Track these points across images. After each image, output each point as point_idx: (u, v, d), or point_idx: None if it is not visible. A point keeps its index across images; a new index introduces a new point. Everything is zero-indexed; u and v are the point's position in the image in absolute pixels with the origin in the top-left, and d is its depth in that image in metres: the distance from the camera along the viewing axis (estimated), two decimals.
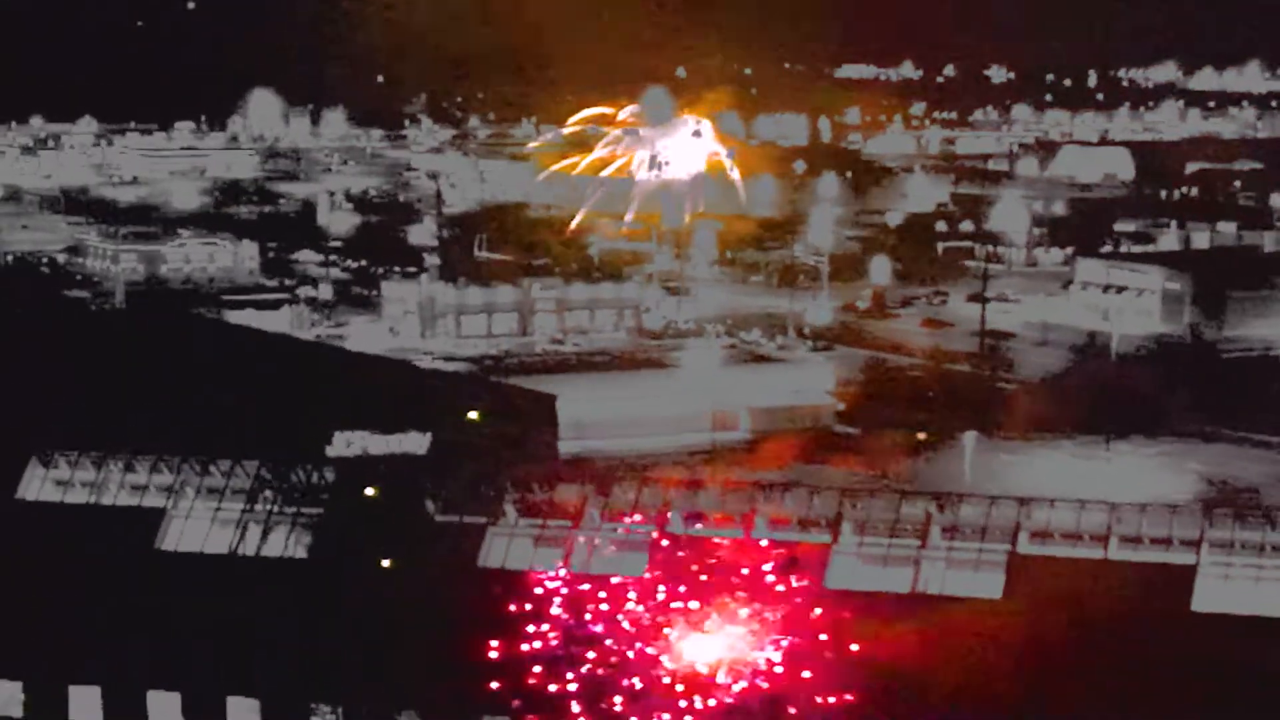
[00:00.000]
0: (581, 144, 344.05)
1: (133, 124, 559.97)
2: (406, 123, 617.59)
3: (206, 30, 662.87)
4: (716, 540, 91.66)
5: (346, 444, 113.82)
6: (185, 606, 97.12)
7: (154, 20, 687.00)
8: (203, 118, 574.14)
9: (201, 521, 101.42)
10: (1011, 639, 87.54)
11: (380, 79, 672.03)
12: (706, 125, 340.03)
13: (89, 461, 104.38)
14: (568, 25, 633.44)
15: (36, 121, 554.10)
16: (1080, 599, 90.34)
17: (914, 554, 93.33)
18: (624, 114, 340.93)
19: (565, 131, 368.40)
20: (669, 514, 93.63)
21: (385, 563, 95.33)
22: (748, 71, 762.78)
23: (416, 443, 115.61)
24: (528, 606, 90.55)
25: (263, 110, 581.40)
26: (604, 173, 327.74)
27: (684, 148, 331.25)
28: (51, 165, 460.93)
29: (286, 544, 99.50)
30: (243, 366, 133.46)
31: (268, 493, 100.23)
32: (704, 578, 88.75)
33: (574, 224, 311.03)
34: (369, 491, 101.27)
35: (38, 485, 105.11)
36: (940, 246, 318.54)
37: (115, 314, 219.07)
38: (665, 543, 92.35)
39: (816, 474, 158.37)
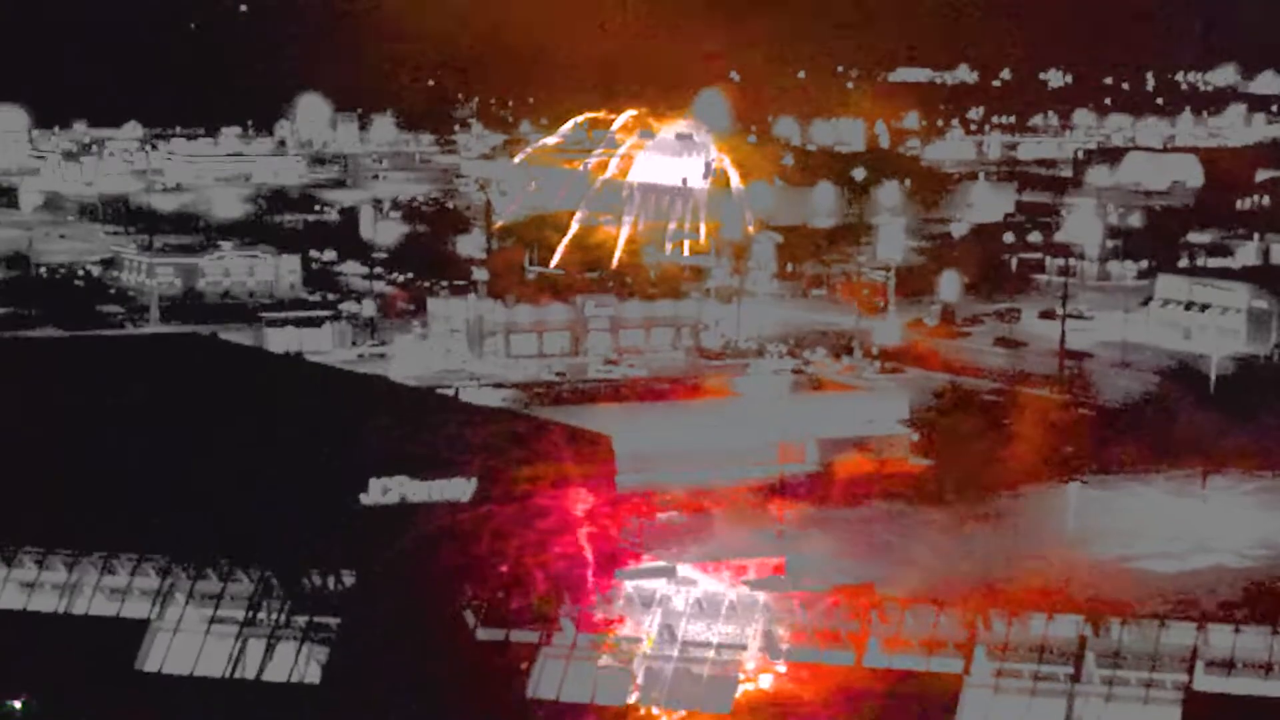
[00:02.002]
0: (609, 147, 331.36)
1: (178, 129, 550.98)
2: (456, 128, 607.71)
3: (256, 34, 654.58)
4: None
5: (383, 491, 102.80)
6: None
7: (204, 23, 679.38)
8: (250, 123, 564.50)
9: (193, 635, 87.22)
10: None
11: (430, 82, 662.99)
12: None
13: (60, 561, 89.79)
14: (619, 29, 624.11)
15: (80, 127, 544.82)
16: None
17: (1065, 687, 79.08)
18: (621, 118, 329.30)
19: (553, 138, 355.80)
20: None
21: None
22: (801, 75, 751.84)
23: (460, 489, 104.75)
24: None
25: (311, 115, 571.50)
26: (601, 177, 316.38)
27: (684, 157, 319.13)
28: (94, 172, 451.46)
29: (295, 664, 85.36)
30: (264, 400, 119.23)
31: (273, 600, 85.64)
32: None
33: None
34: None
35: None
36: (1014, 260, 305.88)
37: (89, 344, 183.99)
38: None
39: (891, 511, 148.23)
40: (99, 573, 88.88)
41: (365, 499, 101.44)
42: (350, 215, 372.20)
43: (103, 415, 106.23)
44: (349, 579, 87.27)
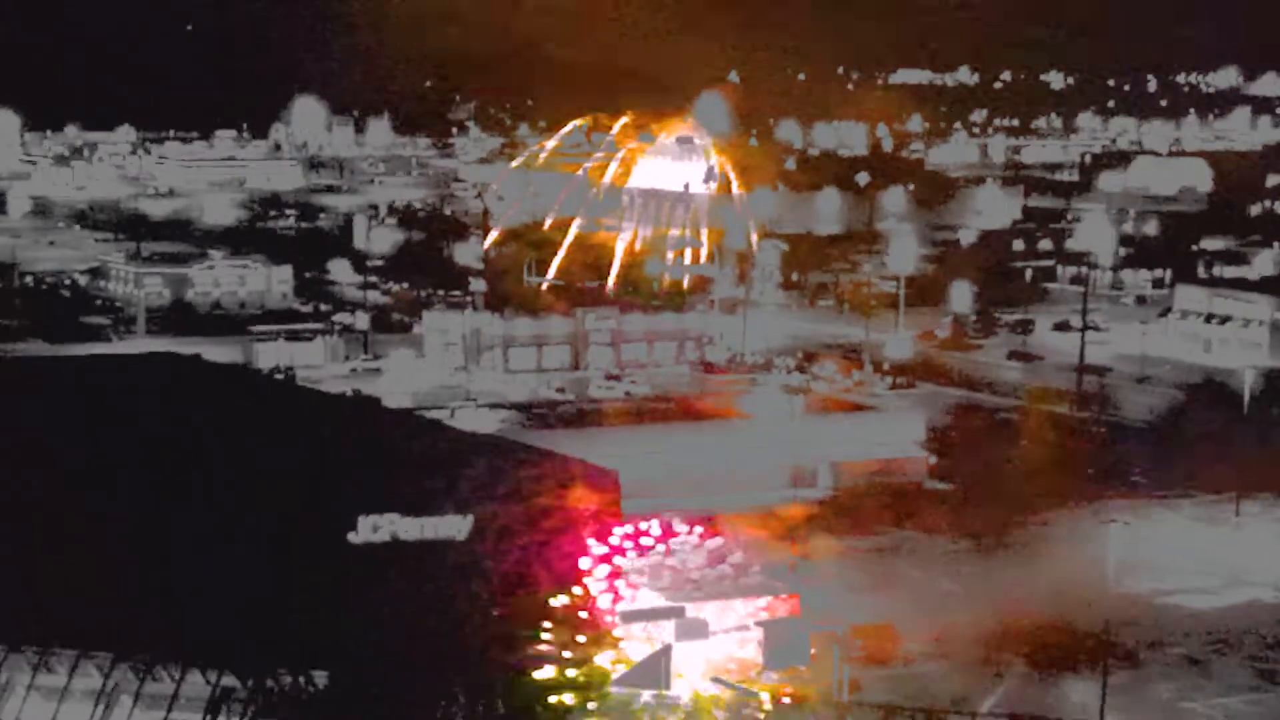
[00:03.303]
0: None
1: (172, 132, 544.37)
2: (454, 131, 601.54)
3: (250, 36, 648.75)
4: None
5: (373, 529, 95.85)
6: None
7: (198, 25, 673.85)
8: (244, 126, 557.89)
9: None
10: None
11: (428, 84, 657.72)
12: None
13: None
14: (618, 29, 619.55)
15: (72, 130, 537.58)
16: None
17: None
18: (621, 121, 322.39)
19: (552, 142, 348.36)
20: None
21: None
22: (801, 76, 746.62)
23: (455, 526, 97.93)
24: None
25: (306, 118, 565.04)
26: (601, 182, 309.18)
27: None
28: (85, 176, 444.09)
29: None
30: (241, 435, 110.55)
31: (233, 702, 76.28)
32: None
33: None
34: None
35: None
36: (1028, 269, 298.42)
37: (54, 366, 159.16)
38: None
39: (909, 540, 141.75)
40: (34, 670, 79.45)
41: (354, 538, 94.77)
42: (334, 219, 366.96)
43: (52, 460, 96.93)
44: (321, 679, 78.03)
